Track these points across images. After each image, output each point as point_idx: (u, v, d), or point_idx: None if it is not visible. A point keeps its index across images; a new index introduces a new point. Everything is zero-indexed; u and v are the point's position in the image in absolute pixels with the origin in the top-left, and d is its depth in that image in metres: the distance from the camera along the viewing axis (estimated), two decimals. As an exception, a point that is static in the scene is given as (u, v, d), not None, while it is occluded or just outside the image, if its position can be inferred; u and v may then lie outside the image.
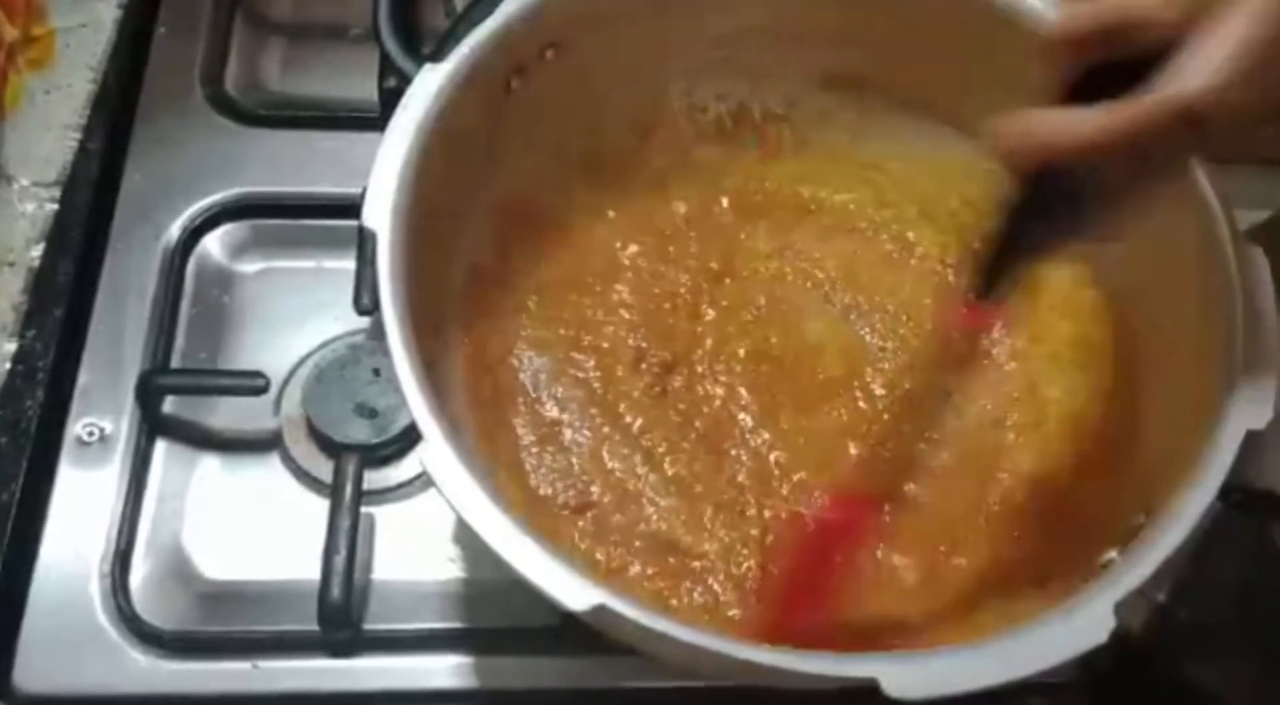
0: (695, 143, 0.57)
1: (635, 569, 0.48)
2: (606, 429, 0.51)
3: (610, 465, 0.50)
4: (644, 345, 0.53)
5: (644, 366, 0.53)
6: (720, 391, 0.52)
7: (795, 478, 0.50)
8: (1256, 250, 0.42)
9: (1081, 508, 0.48)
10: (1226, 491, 0.38)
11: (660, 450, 0.51)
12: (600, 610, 0.35)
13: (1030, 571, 0.47)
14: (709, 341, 0.54)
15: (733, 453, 0.51)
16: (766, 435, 0.51)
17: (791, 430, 0.52)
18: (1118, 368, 0.49)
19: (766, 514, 0.50)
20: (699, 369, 0.53)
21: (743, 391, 0.52)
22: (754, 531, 0.49)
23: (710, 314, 0.55)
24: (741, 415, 0.52)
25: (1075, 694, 0.49)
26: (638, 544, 0.49)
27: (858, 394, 0.53)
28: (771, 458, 0.51)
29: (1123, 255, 0.49)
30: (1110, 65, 0.34)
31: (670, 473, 0.50)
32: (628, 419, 0.51)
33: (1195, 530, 0.38)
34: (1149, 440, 0.46)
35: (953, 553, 0.49)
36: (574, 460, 0.50)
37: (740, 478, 0.51)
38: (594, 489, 0.50)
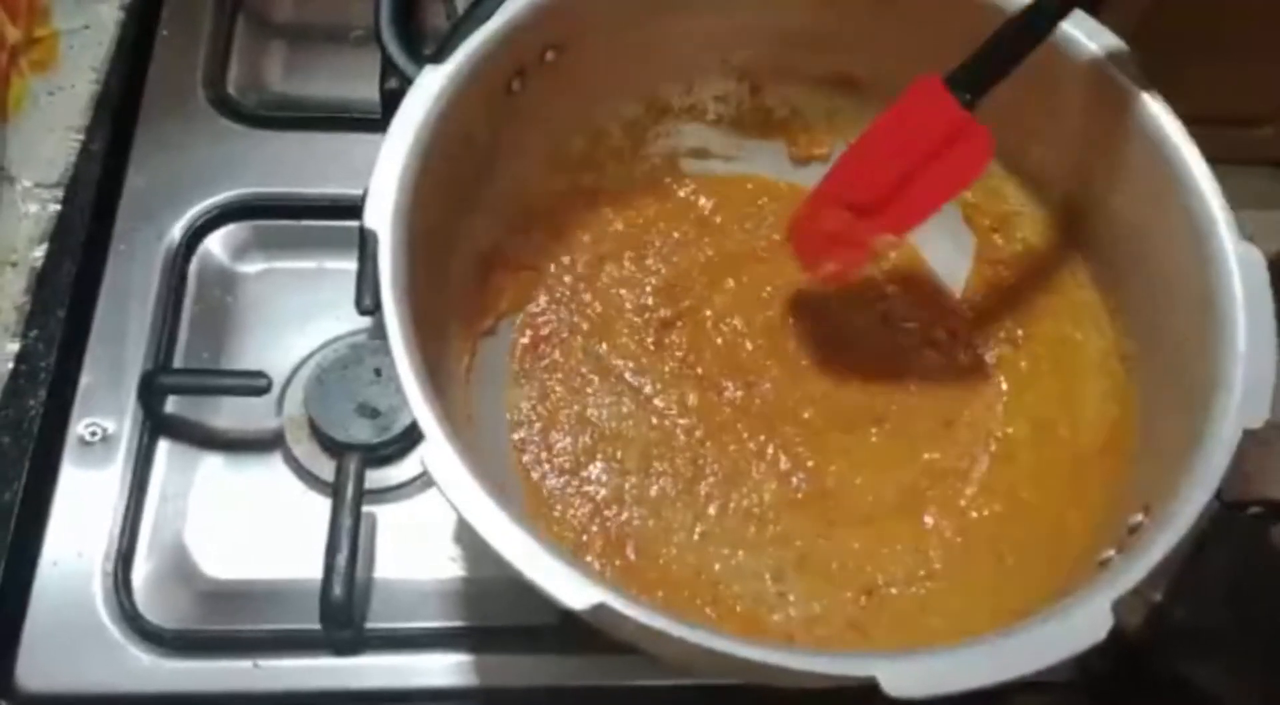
0: (694, 144, 0.57)
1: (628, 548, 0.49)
2: (606, 414, 0.52)
3: (608, 449, 0.51)
4: (648, 315, 0.55)
5: (645, 319, 0.54)
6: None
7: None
8: (1256, 250, 0.43)
9: (1081, 507, 0.48)
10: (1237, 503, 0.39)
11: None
12: (600, 609, 0.35)
13: (1029, 570, 0.47)
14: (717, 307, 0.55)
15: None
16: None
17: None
18: (1117, 368, 0.49)
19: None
20: (706, 326, 0.55)
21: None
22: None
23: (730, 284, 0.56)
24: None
25: (1072, 693, 0.49)
26: (635, 526, 0.50)
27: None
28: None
29: (1123, 256, 0.49)
30: None
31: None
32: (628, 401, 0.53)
33: (1193, 530, 0.38)
34: (1148, 440, 0.46)
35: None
36: (571, 446, 0.51)
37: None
38: (589, 476, 0.51)
